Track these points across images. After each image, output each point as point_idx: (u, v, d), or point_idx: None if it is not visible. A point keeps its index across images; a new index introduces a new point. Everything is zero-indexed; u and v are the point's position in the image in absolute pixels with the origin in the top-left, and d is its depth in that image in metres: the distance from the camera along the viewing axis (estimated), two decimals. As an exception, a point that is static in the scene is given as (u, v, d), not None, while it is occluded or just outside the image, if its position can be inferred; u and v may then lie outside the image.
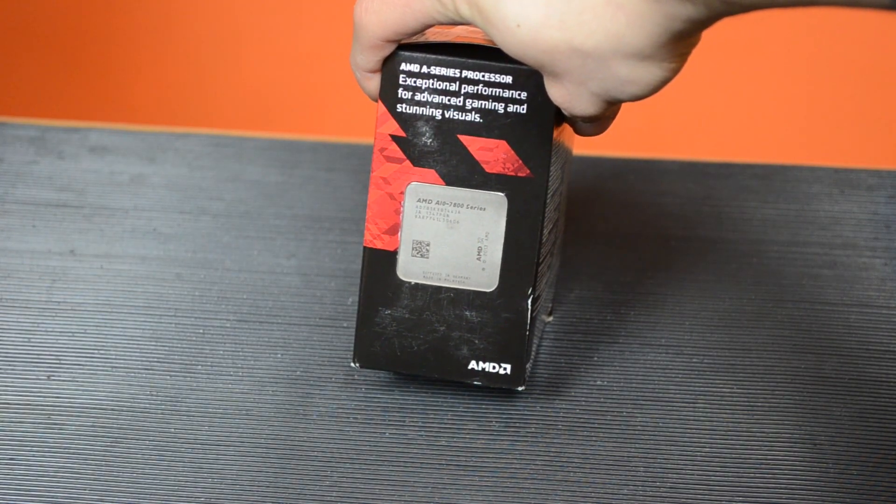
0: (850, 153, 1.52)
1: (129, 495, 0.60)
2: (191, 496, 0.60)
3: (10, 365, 0.67)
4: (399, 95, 0.61)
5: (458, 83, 0.61)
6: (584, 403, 0.65)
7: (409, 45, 0.61)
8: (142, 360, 0.67)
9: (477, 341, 0.62)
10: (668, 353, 0.69)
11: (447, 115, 0.61)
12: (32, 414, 0.64)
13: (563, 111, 0.58)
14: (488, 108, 0.61)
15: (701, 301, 0.73)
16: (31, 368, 0.67)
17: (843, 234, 0.78)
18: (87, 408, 0.64)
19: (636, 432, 0.64)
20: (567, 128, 0.64)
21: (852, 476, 0.62)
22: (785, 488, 0.61)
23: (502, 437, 0.63)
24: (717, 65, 1.50)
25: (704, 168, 0.83)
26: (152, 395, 0.65)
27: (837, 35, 1.53)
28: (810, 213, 0.80)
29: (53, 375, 0.66)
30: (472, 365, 0.63)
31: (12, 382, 0.66)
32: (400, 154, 0.61)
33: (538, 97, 0.60)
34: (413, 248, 0.62)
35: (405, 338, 0.63)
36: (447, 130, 0.61)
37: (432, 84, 0.61)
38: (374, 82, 0.61)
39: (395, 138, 0.61)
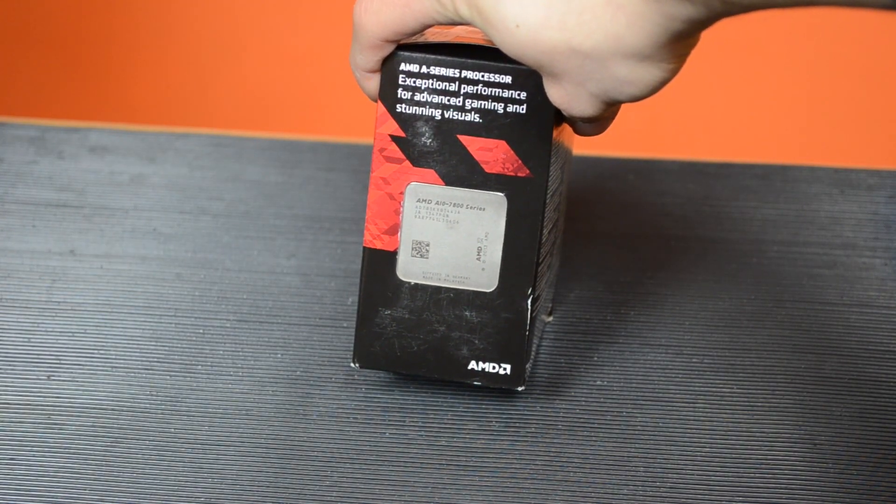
0: (850, 153, 1.52)
1: (129, 495, 0.60)
2: (191, 496, 0.60)
3: (10, 365, 0.67)
4: (398, 96, 0.61)
5: (457, 83, 0.61)
6: (584, 403, 0.65)
7: (408, 46, 0.61)
8: (142, 360, 0.67)
9: (477, 341, 0.62)
10: (668, 353, 0.69)
11: (447, 116, 0.61)
12: (32, 414, 0.64)
13: (562, 112, 0.58)
14: (488, 109, 0.61)
15: (701, 301, 0.73)
16: (31, 368, 0.67)
17: (843, 234, 0.78)
18: (87, 408, 0.64)
19: (636, 432, 0.64)
20: (567, 128, 0.64)
21: (852, 476, 0.62)
22: (785, 488, 0.61)
23: (502, 437, 0.63)
24: (717, 65, 1.50)
25: (704, 168, 0.83)
26: (152, 395, 0.65)
27: (837, 35, 1.53)
28: (810, 213, 0.80)
29: (53, 375, 0.66)
30: (472, 365, 0.63)
31: (12, 382, 0.66)
32: (399, 154, 0.61)
33: (537, 97, 0.60)
34: (413, 249, 0.62)
35: (405, 338, 0.63)
36: (447, 130, 0.61)
37: (432, 84, 0.61)
38: (373, 82, 0.61)
39: (394, 138, 0.61)
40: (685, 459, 0.62)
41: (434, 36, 0.62)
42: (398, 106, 0.61)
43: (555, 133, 0.61)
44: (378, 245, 0.62)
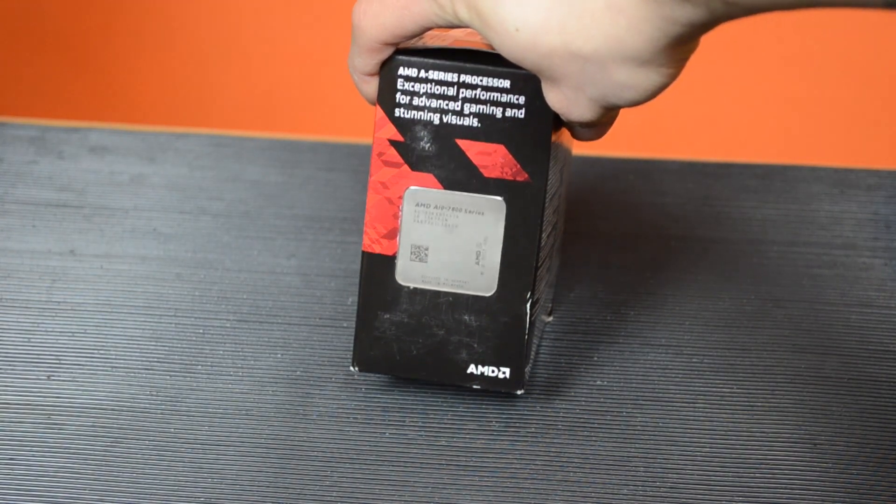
0: (850, 153, 1.52)
1: (129, 495, 0.60)
2: (191, 496, 0.60)
3: (10, 365, 0.67)
4: (397, 100, 0.61)
5: (456, 88, 0.61)
6: (584, 403, 0.66)
7: (406, 50, 0.61)
8: (142, 360, 0.67)
9: (476, 345, 0.62)
10: (668, 353, 0.69)
11: (445, 120, 0.61)
12: (32, 414, 0.64)
13: (561, 116, 0.58)
14: (486, 113, 0.61)
15: (701, 301, 0.73)
16: (31, 368, 0.67)
17: (843, 234, 0.78)
18: (87, 408, 0.64)
19: (636, 432, 0.64)
20: (566, 130, 0.64)
21: (852, 476, 0.62)
22: (785, 488, 0.61)
23: (502, 438, 0.63)
24: (717, 65, 1.50)
25: (704, 168, 0.84)
26: (152, 395, 0.65)
27: (837, 35, 1.53)
28: (810, 213, 0.80)
29: (53, 375, 0.66)
30: (471, 369, 0.63)
31: (12, 382, 0.66)
32: (398, 158, 0.61)
33: (536, 101, 0.60)
34: (412, 253, 0.62)
35: (404, 342, 0.63)
36: (445, 135, 0.61)
37: (430, 89, 0.61)
38: (371, 86, 0.61)
39: (393, 143, 0.61)
40: (685, 459, 0.62)
41: (432, 39, 0.62)
42: (397, 110, 0.61)
43: (553, 137, 0.61)
44: (377, 249, 0.62)
